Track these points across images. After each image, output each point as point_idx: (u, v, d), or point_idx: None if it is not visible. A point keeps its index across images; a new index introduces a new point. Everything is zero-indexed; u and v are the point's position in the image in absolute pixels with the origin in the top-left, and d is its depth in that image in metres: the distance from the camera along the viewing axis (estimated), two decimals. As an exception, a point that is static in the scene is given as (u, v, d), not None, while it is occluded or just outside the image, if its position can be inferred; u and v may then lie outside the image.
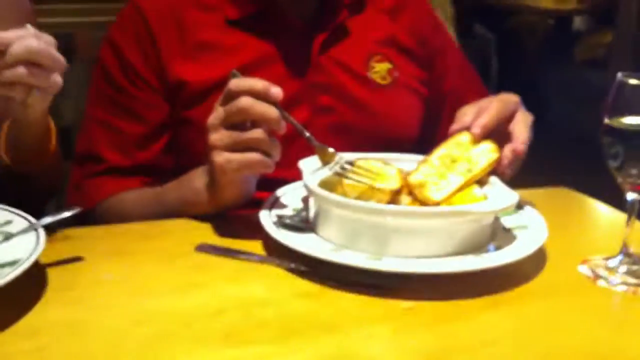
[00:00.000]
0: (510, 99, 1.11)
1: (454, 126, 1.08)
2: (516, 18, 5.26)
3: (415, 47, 1.38)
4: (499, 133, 1.07)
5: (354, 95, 1.30)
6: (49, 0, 1.33)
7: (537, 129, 1.13)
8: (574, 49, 4.78)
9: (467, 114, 1.08)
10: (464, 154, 1.05)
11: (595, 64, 4.57)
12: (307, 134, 1.08)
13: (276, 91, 1.00)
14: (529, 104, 1.14)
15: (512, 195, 0.99)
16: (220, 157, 1.01)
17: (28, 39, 0.94)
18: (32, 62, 0.94)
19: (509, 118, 1.09)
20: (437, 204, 1.00)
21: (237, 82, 1.01)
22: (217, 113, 1.02)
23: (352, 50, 1.32)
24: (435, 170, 1.04)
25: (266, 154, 1.01)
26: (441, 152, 1.06)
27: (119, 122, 1.26)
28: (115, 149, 1.26)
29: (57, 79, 0.97)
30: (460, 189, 1.02)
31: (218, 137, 1.01)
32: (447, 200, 1.01)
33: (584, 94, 4.39)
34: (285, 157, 1.04)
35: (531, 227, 1.04)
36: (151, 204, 1.20)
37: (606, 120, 0.95)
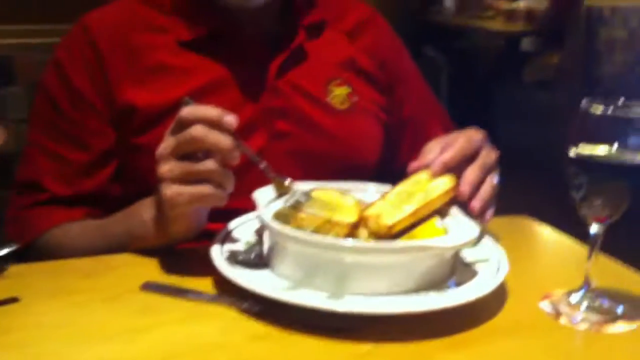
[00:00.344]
0: (475, 136, 1.08)
1: (415, 163, 1.05)
2: (466, 39, 5.31)
3: (374, 70, 1.35)
4: (460, 170, 1.04)
5: (312, 120, 1.26)
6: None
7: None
8: (523, 69, 4.84)
9: (431, 150, 1.05)
10: (421, 188, 1.01)
11: (544, 85, 4.63)
12: (263, 165, 1.03)
13: (230, 119, 0.95)
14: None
15: (473, 229, 0.96)
16: (170, 190, 0.96)
17: None
18: None
19: (473, 155, 1.05)
20: (390, 228, 0.96)
21: (189, 110, 0.96)
22: (168, 142, 0.97)
23: (310, 73, 1.28)
24: (390, 204, 1.00)
25: (218, 185, 0.96)
26: (398, 189, 1.03)
27: (63, 149, 1.21)
28: (58, 177, 1.20)
29: None
30: (415, 214, 0.99)
31: (168, 168, 0.96)
32: (401, 224, 0.97)
33: (534, 113, 4.45)
34: (240, 186, 0.99)
35: (492, 261, 1.00)
36: (96, 237, 1.14)
37: (570, 150, 0.92)
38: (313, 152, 1.25)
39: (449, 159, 1.03)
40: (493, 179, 1.06)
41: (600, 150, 0.91)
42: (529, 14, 4.84)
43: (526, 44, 5.16)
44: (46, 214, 1.19)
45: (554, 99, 4.27)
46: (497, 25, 5.01)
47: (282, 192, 1.03)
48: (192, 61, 1.23)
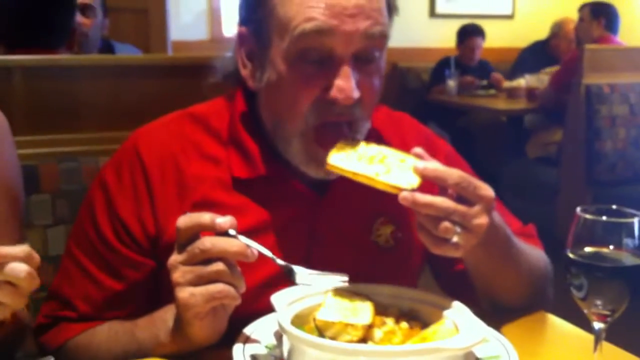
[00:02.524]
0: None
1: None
2: (469, 116, 5.42)
3: None
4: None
5: (356, 260, 1.25)
6: (12, 132, 1.33)
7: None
8: (525, 145, 4.90)
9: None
10: (388, 165, 1.08)
11: (546, 161, 4.68)
12: (271, 254, 1.07)
13: (223, 221, 1.02)
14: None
15: (482, 328, 1.00)
16: (184, 292, 1.01)
17: (16, 262, 0.93)
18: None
19: (471, 198, 1.07)
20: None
21: (185, 220, 1.02)
22: (178, 253, 1.03)
23: (355, 214, 1.28)
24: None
25: (231, 285, 1.01)
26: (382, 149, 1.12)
27: (98, 274, 1.21)
28: (89, 301, 1.21)
29: (25, 299, 0.96)
30: (357, 176, 1.07)
31: (180, 274, 1.02)
32: (342, 172, 1.08)
33: (537, 189, 4.48)
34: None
35: (502, 358, 1.05)
36: (122, 341, 1.17)
37: (569, 254, 0.98)
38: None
39: (432, 165, 1.07)
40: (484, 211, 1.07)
41: (598, 253, 0.97)
42: (530, 92, 4.95)
43: (528, 119, 5.25)
44: (73, 326, 1.22)
45: (557, 175, 4.32)
46: (499, 104, 5.11)
47: (292, 278, 1.08)
48: (241, 200, 1.22)
